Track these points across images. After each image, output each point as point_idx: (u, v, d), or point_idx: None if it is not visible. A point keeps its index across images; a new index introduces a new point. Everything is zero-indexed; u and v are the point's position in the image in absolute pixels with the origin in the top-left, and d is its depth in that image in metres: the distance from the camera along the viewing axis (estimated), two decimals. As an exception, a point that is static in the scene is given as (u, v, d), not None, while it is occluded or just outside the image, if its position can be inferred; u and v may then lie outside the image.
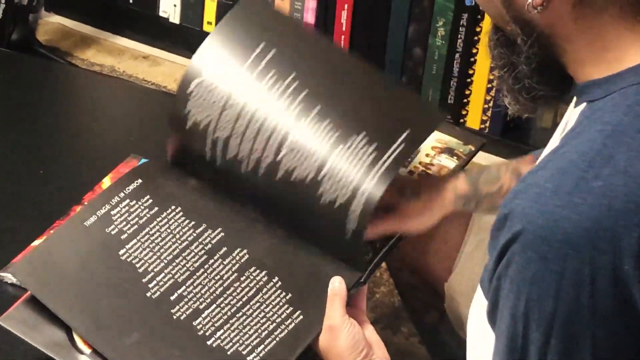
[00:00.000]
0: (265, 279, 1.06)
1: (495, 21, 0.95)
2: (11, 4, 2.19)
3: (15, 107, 1.48)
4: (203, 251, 1.07)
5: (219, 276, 1.06)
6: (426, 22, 2.03)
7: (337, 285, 1.05)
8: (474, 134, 1.31)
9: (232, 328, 1.02)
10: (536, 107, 0.95)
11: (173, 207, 1.09)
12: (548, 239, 0.79)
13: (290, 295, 1.05)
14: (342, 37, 2.13)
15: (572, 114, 0.90)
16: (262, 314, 1.04)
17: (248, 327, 1.02)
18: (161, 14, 2.34)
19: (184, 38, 2.33)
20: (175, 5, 2.32)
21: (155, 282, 1.04)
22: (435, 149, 1.28)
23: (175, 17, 2.33)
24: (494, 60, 0.96)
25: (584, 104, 0.88)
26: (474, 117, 2.05)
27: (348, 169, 1.04)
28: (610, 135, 0.82)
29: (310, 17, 2.15)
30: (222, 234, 1.08)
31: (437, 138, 1.30)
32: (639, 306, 0.79)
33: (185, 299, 1.03)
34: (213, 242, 1.08)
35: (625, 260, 0.78)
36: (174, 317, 1.02)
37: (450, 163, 1.26)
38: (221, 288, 1.05)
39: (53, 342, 1.02)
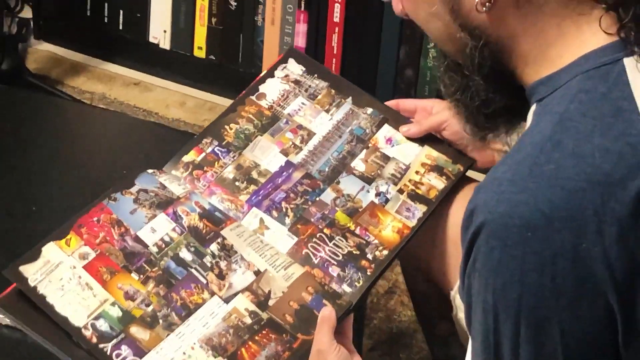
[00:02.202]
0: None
1: (440, 41, 0.99)
2: (0, 34, 2.23)
3: (6, 142, 1.50)
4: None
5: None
6: (417, 43, 2.06)
7: (327, 314, 1.10)
8: (462, 154, 1.32)
9: None
10: (497, 125, 1.00)
11: None
12: (508, 225, 0.82)
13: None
14: (334, 60, 2.16)
15: (528, 117, 0.94)
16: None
17: None
18: (151, 39, 2.37)
19: (175, 63, 2.37)
20: (165, 31, 2.35)
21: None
22: (424, 166, 1.31)
23: (165, 43, 2.36)
24: (447, 88, 1.01)
25: (534, 105, 0.92)
26: (467, 137, 2.08)
27: None
28: (558, 122, 0.86)
29: (300, 41, 2.18)
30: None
31: (427, 153, 1.32)
32: (601, 285, 0.81)
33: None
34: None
35: (583, 238, 0.81)
36: None
37: (439, 183, 1.29)
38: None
39: (50, 332, 1.07)
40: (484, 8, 0.90)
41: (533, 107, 0.93)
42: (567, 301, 0.82)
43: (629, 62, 0.87)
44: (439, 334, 1.38)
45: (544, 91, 0.91)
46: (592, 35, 0.89)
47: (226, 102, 2.29)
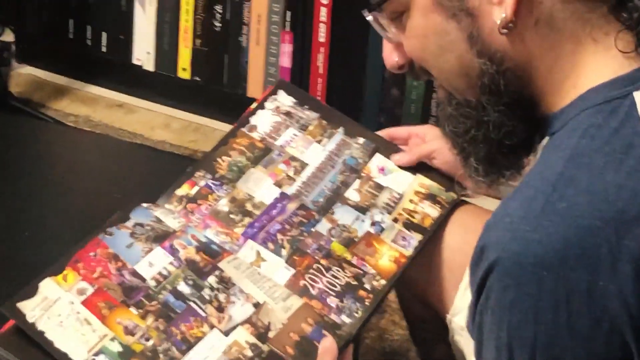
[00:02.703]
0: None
1: (451, 76, 0.97)
2: (-18, 59, 2.24)
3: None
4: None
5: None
6: (403, 63, 2.08)
7: (327, 345, 1.12)
8: (455, 181, 1.33)
9: None
10: (516, 162, 0.99)
11: None
12: (522, 264, 0.83)
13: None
14: (319, 80, 2.18)
15: (538, 150, 0.96)
16: None
17: None
18: (135, 61, 2.39)
19: (159, 85, 2.38)
20: (149, 53, 2.36)
21: None
22: (418, 195, 1.33)
23: (149, 65, 2.37)
24: (457, 127, 0.99)
25: (546, 138, 0.93)
26: (454, 156, 2.11)
27: None
28: (569, 158, 0.86)
29: (286, 62, 2.20)
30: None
31: (420, 182, 1.34)
32: (616, 323, 0.82)
33: None
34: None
35: (598, 276, 0.82)
36: None
37: (433, 212, 1.31)
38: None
39: None
40: (505, 30, 0.91)
41: (545, 140, 0.94)
42: (582, 339, 0.83)
43: (639, 96, 0.88)
44: (435, 358, 1.39)
45: (556, 126, 0.92)
46: (604, 65, 0.90)
47: (211, 123, 2.32)
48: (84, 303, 1.16)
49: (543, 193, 0.85)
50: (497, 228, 0.86)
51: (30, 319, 1.13)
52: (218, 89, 2.30)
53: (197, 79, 2.32)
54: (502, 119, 0.96)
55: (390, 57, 1.03)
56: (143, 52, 2.37)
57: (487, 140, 0.98)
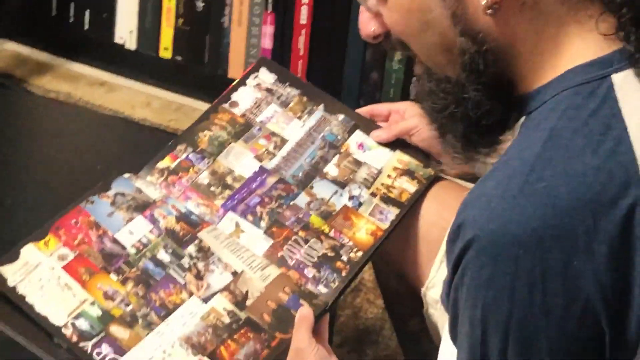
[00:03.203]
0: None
1: (431, 53, 0.98)
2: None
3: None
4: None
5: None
6: (383, 46, 2.10)
7: (304, 313, 1.14)
8: (432, 158, 1.36)
9: None
10: (493, 140, 1.00)
11: None
12: (499, 242, 0.84)
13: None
14: (300, 62, 2.20)
15: (515, 129, 0.96)
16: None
17: None
18: (117, 40, 2.39)
19: (141, 64, 2.38)
20: (131, 32, 2.37)
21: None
22: (396, 170, 1.36)
23: (131, 44, 2.38)
24: (436, 103, 0.99)
25: (523, 117, 0.94)
26: (432, 140, 2.13)
27: None
28: (548, 139, 0.87)
29: (267, 43, 2.22)
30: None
31: (398, 158, 1.37)
32: (590, 304, 0.83)
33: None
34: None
35: (574, 257, 0.83)
36: None
37: (410, 187, 1.33)
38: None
39: (30, 332, 1.12)
40: (490, 11, 0.91)
41: (522, 120, 0.94)
42: (556, 318, 0.83)
43: (617, 79, 0.89)
44: (410, 330, 1.41)
45: (532, 105, 0.93)
46: (585, 47, 0.91)
47: (192, 102, 2.32)
48: (65, 268, 1.19)
49: (521, 173, 0.86)
50: (474, 206, 0.87)
51: (11, 283, 1.16)
52: (199, 69, 2.31)
53: (179, 58, 2.32)
54: (480, 98, 0.96)
55: (367, 25, 1.03)
56: (125, 30, 2.37)
57: (465, 118, 0.98)
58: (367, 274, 1.83)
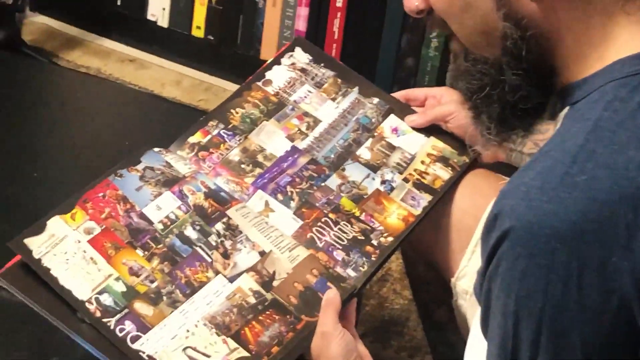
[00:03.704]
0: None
1: (471, 33, 0.97)
2: (-4, 4, 2.24)
3: (6, 107, 1.52)
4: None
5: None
6: (420, 32, 2.09)
7: (331, 296, 1.13)
8: (467, 146, 1.35)
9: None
10: (527, 125, 0.99)
11: None
12: (536, 234, 0.83)
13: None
14: (334, 45, 2.19)
15: (557, 120, 0.95)
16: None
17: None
18: (149, 17, 2.39)
19: (172, 42, 2.38)
20: (164, 9, 2.36)
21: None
22: (430, 157, 1.35)
23: (163, 21, 2.37)
24: (471, 84, 0.98)
25: (567, 108, 0.93)
26: (466, 130, 2.11)
27: None
28: (591, 130, 0.86)
29: (301, 25, 2.21)
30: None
31: (432, 144, 1.36)
32: (626, 300, 0.82)
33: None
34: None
35: (612, 252, 0.81)
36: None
37: (444, 174, 1.33)
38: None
39: (53, 305, 1.11)
40: None
41: (565, 110, 0.93)
42: (590, 313, 0.82)
43: None
44: (436, 320, 1.40)
45: (578, 95, 0.91)
46: (632, 39, 0.89)
47: (223, 83, 2.32)
48: (91, 242, 1.18)
49: (562, 164, 0.84)
50: (512, 196, 0.86)
51: (36, 255, 1.15)
52: (231, 49, 2.30)
53: (211, 37, 2.32)
54: (519, 83, 0.95)
55: (411, 0, 1.02)
56: (158, 7, 2.37)
57: (501, 101, 0.97)
58: (395, 264, 1.83)
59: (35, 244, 1.17)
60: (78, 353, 1.23)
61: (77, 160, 1.43)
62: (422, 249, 1.35)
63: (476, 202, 1.28)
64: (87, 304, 1.12)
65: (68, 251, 1.17)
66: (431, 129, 1.37)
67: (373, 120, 1.39)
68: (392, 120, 1.39)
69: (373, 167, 1.33)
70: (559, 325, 0.83)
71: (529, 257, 0.83)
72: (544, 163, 0.87)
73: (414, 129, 1.38)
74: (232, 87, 2.22)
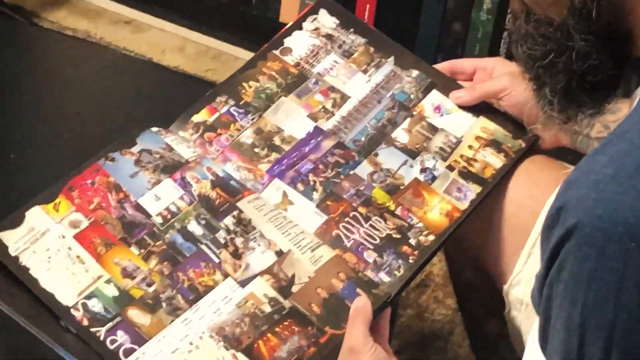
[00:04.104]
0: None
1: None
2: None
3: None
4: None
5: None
6: (469, -8, 2.09)
7: (361, 305, 1.13)
8: (524, 128, 1.35)
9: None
10: (596, 101, 0.99)
11: None
12: (607, 232, 0.82)
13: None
14: (367, 7, 2.19)
15: (633, 97, 0.94)
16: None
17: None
18: (148, -30, 2.40)
19: (175, 2, 2.39)
20: (166, -38, 2.38)
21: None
22: (479, 140, 1.35)
23: (165, -24, 2.39)
24: (533, 49, 0.98)
25: None
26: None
27: None
28: None
29: (329, -18, 2.21)
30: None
31: (482, 126, 1.36)
32: None
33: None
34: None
35: None
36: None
37: (496, 161, 1.33)
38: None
39: (32, 312, 1.12)
40: None
41: None
42: None
43: None
44: (486, 336, 1.41)
45: None
46: None
47: (234, 50, 2.33)
48: (77, 237, 1.19)
49: (639, 149, 0.84)
50: (579, 186, 0.86)
51: (13, 251, 1.17)
52: (245, 10, 2.31)
53: (221, -4, 2.33)
54: (588, 50, 0.95)
55: None
56: (158, -40, 2.38)
57: (567, 70, 0.97)
58: (437, 267, 1.83)
59: (12, 239, 1.18)
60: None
61: (61, 140, 1.43)
62: (469, 250, 1.35)
63: (534, 195, 1.28)
64: (72, 311, 1.13)
65: (50, 248, 1.18)
66: (481, 108, 1.37)
67: (412, 96, 1.39)
68: (435, 96, 1.39)
69: (411, 153, 1.34)
70: (634, 339, 0.83)
71: (598, 258, 0.83)
72: (618, 147, 0.86)
73: (461, 107, 1.38)
74: (246, 55, 2.23)
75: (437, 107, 1.38)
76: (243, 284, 1.18)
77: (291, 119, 1.36)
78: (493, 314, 1.35)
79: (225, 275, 1.18)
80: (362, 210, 1.27)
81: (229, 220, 1.23)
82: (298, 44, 1.43)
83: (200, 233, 1.22)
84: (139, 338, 1.13)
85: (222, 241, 1.21)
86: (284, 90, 1.39)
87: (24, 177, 1.34)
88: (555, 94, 1.00)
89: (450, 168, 1.32)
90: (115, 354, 1.11)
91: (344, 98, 1.39)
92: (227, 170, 1.29)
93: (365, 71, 1.41)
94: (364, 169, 1.32)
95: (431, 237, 1.25)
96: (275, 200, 1.28)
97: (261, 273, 1.19)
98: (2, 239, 1.18)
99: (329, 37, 1.44)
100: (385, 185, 1.30)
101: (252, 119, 1.36)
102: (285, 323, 1.15)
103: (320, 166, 1.31)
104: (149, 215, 1.22)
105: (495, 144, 1.34)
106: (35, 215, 1.21)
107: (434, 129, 1.36)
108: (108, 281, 1.17)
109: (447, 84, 1.40)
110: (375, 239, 1.25)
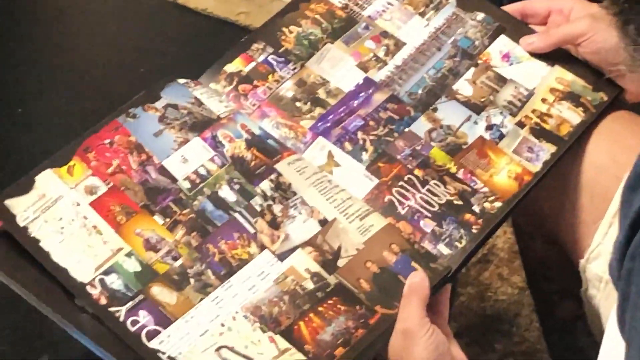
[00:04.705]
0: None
1: None
2: None
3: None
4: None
5: None
6: None
7: (416, 281, 1.12)
8: (605, 78, 1.33)
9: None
10: None
11: None
12: None
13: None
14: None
15: None
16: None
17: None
18: None
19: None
20: None
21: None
22: (554, 93, 1.34)
23: None
24: None
25: None
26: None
27: None
28: None
29: None
30: None
31: (558, 76, 1.35)
32: None
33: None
34: None
35: None
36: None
37: (573, 117, 1.32)
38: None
39: (44, 289, 1.12)
40: None
41: None
42: None
43: None
44: (560, 317, 1.40)
45: None
46: None
47: (273, -9, 2.32)
48: (94, 205, 1.20)
49: None
50: None
51: (21, 221, 1.17)
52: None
53: None
54: None
55: None
56: None
57: None
58: (501, 239, 1.82)
59: (21, 207, 1.18)
60: (76, 351, 1.24)
61: (76, 93, 1.43)
62: (541, 219, 1.35)
63: (616, 157, 1.28)
64: (88, 288, 1.14)
65: (64, 217, 1.18)
66: (556, 56, 1.36)
67: (476, 43, 1.39)
68: (503, 42, 1.38)
69: (475, 107, 1.33)
70: None
71: None
72: None
73: (533, 55, 1.37)
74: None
75: (506, 54, 1.38)
76: (282, 257, 1.18)
77: (338, 68, 1.36)
78: (568, 294, 1.34)
79: (262, 247, 1.18)
80: (418, 173, 1.27)
81: (265, 185, 1.22)
82: None
83: (233, 199, 1.21)
84: (164, 319, 1.13)
85: (258, 209, 1.21)
86: (330, 36, 1.39)
87: (34, 135, 1.34)
88: None
89: (521, 125, 1.31)
90: (137, 337, 1.11)
91: (399, 45, 1.38)
92: (265, 128, 1.29)
93: (423, 14, 1.41)
94: (420, 126, 1.31)
95: (497, 204, 1.25)
96: (319, 162, 1.27)
97: (302, 245, 1.19)
98: (9, 207, 1.18)
99: None
100: (446, 144, 1.30)
101: (293, 69, 1.36)
102: (330, 302, 1.15)
103: (371, 123, 1.31)
104: (174, 180, 1.22)
105: (572, 97, 1.34)
106: (47, 180, 1.21)
107: (501, 80, 1.36)
108: (129, 254, 1.17)
109: (517, 29, 1.39)
110: (433, 206, 1.24)
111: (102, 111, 1.27)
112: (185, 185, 1.22)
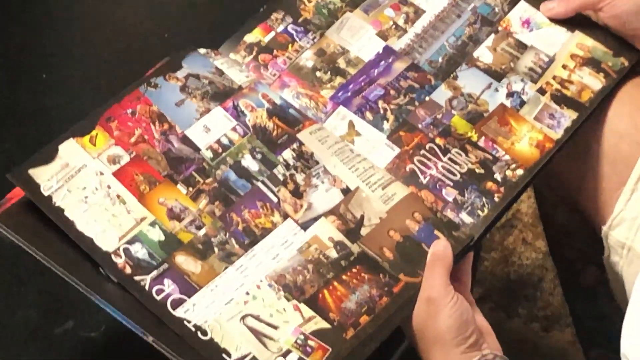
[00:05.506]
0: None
1: None
2: None
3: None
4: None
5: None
6: None
7: (440, 249, 1.13)
8: (627, 43, 1.34)
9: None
10: None
11: None
12: None
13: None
14: None
15: None
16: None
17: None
18: None
19: None
20: None
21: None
22: (575, 59, 1.34)
23: None
24: None
25: None
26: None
27: None
28: None
29: None
30: None
31: (578, 42, 1.35)
32: None
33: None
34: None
35: None
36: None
37: (595, 83, 1.32)
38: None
39: (68, 259, 1.13)
40: None
41: None
42: None
43: None
44: (583, 284, 1.40)
45: None
46: None
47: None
48: (117, 174, 1.21)
49: None
50: None
51: (45, 190, 1.18)
52: None
53: None
54: None
55: None
56: None
57: None
58: (525, 204, 1.82)
59: (44, 177, 1.19)
60: (101, 318, 1.26)
61: (98, 61, 1.43)
62: (563, 186, 1.35)
63: (638, 123, 1.28)
64: (113, 257, 1.15)
65: (87, 186, 1.19)
66: (577, 21, 1.36)
67: (496, 9, 1.39)
68: (523, 8, 1.38)
69: (496, 74, 1.33)
70: None
71: None
72: None
73: (553, 20, 1.37)
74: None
75: (526, 21, 1.38)
76: (305, 226, 1.19)
77: (357, 37, 1.36)
78: (590, 260, 1.34)
79: (285, 216, 1.19)
80: (439, 141, 1.28)
81: (288, 154, 1.23)
82: None
83: (256, 169, 1.22)
84: (189, 287, 1.14)
85: (281, 178, 1.22)
86: (349, 4, 1.39)
87: (57, 103, 1.34)
88: None
89: (542, 91, 1.32)
90: (163, 306, 1.12)
91: (418, 12, 1.38)
92: (285, 97, 1.30)
93: None
94: (441, 94, 1.32)
95: (519, 172, 1.25)
96: (340, 131, 1.28)
97: (325, 214, 1.20)
98: (33, 176, 1.19)
99: None
100: (467, 112, 1.30)
101: (313, 39, 1.36)
102: (354, 270, 1.16)
103: (392, 92, 1.31)
104: (197, 149, 1.23)
105: (593, 63, 1.34)
106: (70, 150, 1.22)
107: (522, 47, 1.36)
108: (153, 224, 1.18)
109: None
110: (455, 175, 1.25)
111: (126, 81, 1.28)
112: (208, 154, 1.23)
